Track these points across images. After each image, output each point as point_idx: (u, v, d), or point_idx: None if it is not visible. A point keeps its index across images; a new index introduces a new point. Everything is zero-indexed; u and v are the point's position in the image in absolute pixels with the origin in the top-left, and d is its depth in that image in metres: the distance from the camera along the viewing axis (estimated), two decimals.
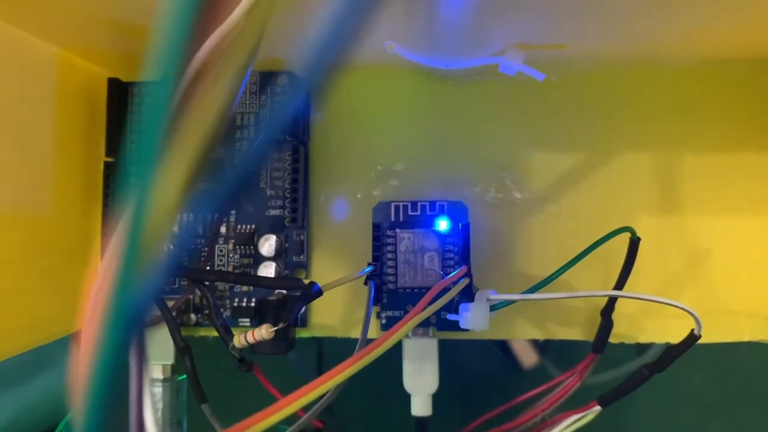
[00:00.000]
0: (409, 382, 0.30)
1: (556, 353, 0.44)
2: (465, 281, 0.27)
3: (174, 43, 0.11)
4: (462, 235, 0.29)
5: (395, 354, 0.27)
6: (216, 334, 0.27)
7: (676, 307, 0.24)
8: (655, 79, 0.32)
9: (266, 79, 0.31)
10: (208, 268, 0.31)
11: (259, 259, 0.31)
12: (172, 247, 0.10)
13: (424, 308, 0.24)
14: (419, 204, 0.30)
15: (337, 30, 0.10)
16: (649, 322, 0.31)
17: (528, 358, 0.47)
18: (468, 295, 0.28)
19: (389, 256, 0.29)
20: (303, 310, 0.31)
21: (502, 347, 0.47)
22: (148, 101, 0.11)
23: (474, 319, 0.26)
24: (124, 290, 0.09)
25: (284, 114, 0.11)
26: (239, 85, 0.14)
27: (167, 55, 0.10)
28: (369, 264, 0.29)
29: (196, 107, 0.12)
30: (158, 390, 0.30)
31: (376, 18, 0.10)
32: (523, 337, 0.31)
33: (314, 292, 0.26)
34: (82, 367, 0.10)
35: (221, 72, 0.13)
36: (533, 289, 0.28)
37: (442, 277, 0.29)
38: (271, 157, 0.31)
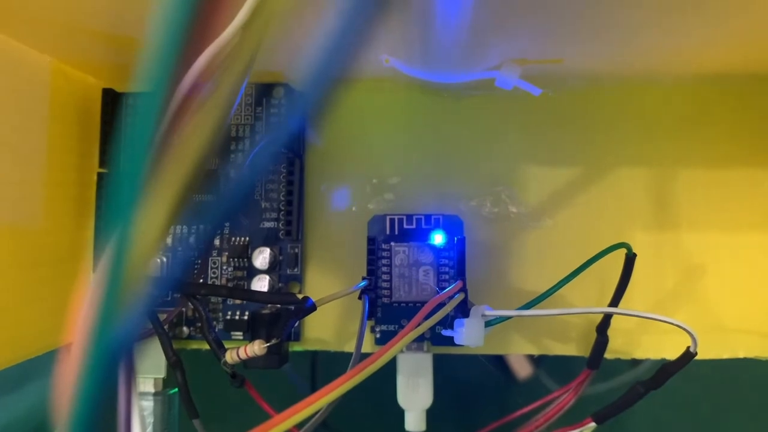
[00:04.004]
0: (403, 398, 0.29)
1: (552, 368, 0.44)
2: (460, 296, 0.27)
3: (164, 57, 0.10)
4: (457, 249, 0.29)
5: (389, 368, 0.27)
6: (208, 347, 0.27)
7: (673, 324, 0.24)
8: (651, 95, 0.32)
9: (262, 91, 0.31)
10: (201, 280, 0.31)
11: (253, 271, 0.31)
12: (165, 260, 0.10)
13: (419, 324, 0.23)
14: (414, 217, 0.30)
15: (336, 47, 0.10)
16: (645, 338, 0.31)
17: (522, 369, 0.46)
18: (463, 310, 0.28)
19: (384, 269, 0.29)
20: (297, 323, 0.31)
21: (497, 360, 0.47)
22: (136, 117, 0.10)
23: (469, 336, 0.26)
24: (106, 325, 0.09)
25: (282, 130, 0.11)
26: (234, 98, 0.14)
27: (157, 69, 0.10)
28: (363, 278, 0.29)
29: (191, 122, 0.12)
30: (149, 404, 0.29)
31: (375, 35, 0.10)
32: (518, 352, 0.31)
33: (308, 307, 0.25)
34: (66, 394, 0.10)
35: (217, 86, 0.13)
36: (529, 305, 0.27)
37: (438, 292, 0.28)
38: (268, 171, 0.31)
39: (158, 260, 0.27)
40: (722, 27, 0.24)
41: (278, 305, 0.29)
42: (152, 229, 0.09)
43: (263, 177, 0.31)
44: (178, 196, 0.10)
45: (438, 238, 0.29)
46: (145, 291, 0.09)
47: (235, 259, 0.31)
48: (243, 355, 0.24)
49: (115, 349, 0.09)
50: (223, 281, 0.31)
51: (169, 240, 0.30)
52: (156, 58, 0.10)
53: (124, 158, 0.10)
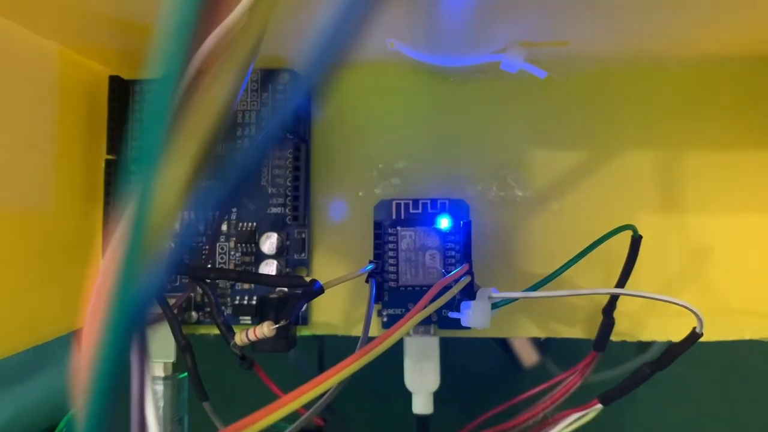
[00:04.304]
0: (410, 380, 0.30)
1: (558, 351, 0.44)
2: (466, 279, 0.27)
3: (177, 39, 0.11)
4: (463, 233, 0.29)
5: (396, 352, 0.27)
6: (217, 331, 0.27)
7: (679, 305, 0.24)
8: (657, 77, 0.31)
9: (267, 76, 0.31)
10: (209, 265, 0.31)
11: (261, 257, 0.31)
12: (173, 245, 0.10)
13: (426, 306, 0.24)
14: (421, 202, 0.30)
15: (338, 28, 0.10)
16: (651, 320, 0.31)
17: (529, 356, 0.47)
18: (469, 293, 0.28)
19: (390, 254, 0.29)
20: (304, 308, 0.31)
21: (503, 345, 0.47)
22: (151, 97, 0.11)
23: (475, 317, 0.26)
24: (127, 287, 0.09)
25: (286, 112, 0.11)
26: (241, 82, 0.14)
27: (170, 51, 0.10)
28: (370, 262, 0.29)
29: (199, 103, 0.12)
30: (159, 388, 0.30)
31: (377, 16, 0.10)
32: (524, 335, 0.31)
33: (316, 289, 0.26)
34: (83, 366, 0.10)
35: (223, 69, 0.13)
36: (535, 287, 0.28)
37: (444, 275, 0.29)
38: (272, 154, 0.31)
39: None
40: (727, 9, 0.24)
41: (286, 289, 0.29)
42: (171, 197, 0.09)
43: (265, 160, 0.31)
44: (194, 167, 0.10)
45: (444, 222, 0.29)
46: (163, 258, 0.09)
47: (243, 245, 0.31)
48: (252, 337, 0.25)
49: (138, 304, 0.09)
50: (231, 266, 0.31)
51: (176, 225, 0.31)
52: (169, 39, 0.10)
53: (141, 135, 0.10)
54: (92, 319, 0.10)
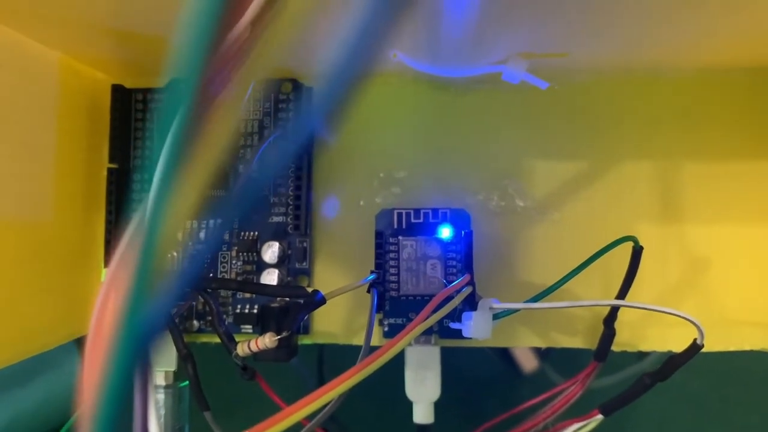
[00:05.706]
0: (411, 390, 0.30)
1: (559, 361, 0.44)
2: (468, 290, 0.27)
3: (195, 52, 0.11)
4: (464, 242, 0.29)
5: (397, 361, 0.27)
6: (218, 340, 0.27)
7: (679, 316, 0.24)
8: (657, 88, 0.32)
9: (270, 86, 0.31)
10: (211, 275, 0.31)
11: (262, 266, 0.31)
12: (186, 265, 0.10)
13: (427, 317, 0.24)
14: (422, 211, 0.30)
15: (357, 46, 0.10)
16: (651, 331, 0.31)
17: (528, 362, 0.47)
18: (471, 303, 0.28)
19: (392, 263, 0.29)
20: (306, 317, 0.31)
21: (503, 353, 0.47)
22: (166, 109, 0.11)
23: (477, 328, 0.26)
24: (136, 309, 0.09)
25: (301, 131, 0.11)
26: (244, 96, 0.14)
27: (188, 62, 0.10)
28: (372, 272, 0.29)
29: (213, 115, 0.12)
30: (161, 397, 0.30)
31: (395, 37, 0.10)
32: (525, 345, 0.31)
33: (317, 300, 0.26)
34: (90, 382, 0.10)
35: (236, 83, 0.13)
36: (536, 298, 0.28)
37: (445, 286, 0.29)
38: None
39: (175, 254, 0.28)
40: (728, 19, 0.24)
41: (287, 298, 0.29)
42: (182, 213, 0.09)
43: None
44: (206, 182, 0.10)
45: (445, 232, 0.29)
46: (173, 276, 0.09)
47: (245, 254, 0.31)
48: (254, 348, 0.25)
49: (144, 332, 0.09)
50: (233, 275, 0.31)
51: (184, 236, 0.31)
52: (186, 52, 0.10)
53: (155, 148, 0.10)
54: (98, 336, 0.10)
